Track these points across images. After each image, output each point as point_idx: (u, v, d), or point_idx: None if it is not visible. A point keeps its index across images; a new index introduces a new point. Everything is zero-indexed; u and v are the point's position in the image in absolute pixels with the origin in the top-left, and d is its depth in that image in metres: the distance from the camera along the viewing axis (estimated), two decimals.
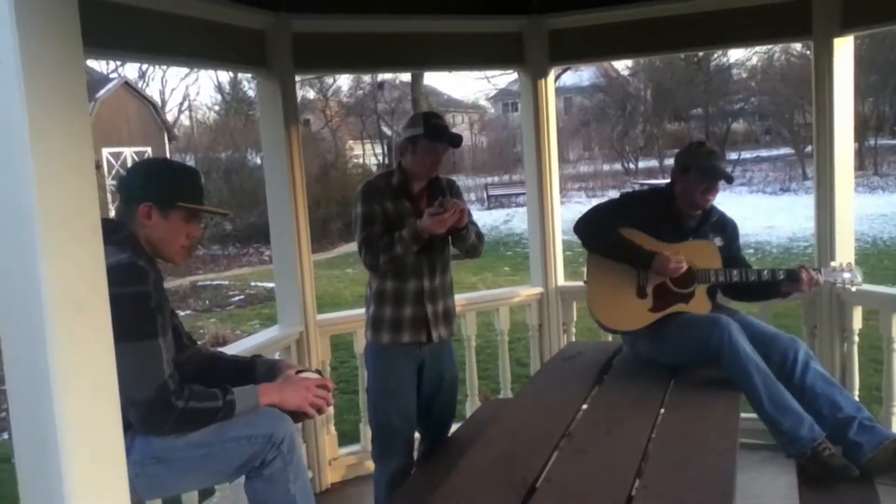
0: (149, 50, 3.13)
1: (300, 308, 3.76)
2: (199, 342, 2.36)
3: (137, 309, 1.87)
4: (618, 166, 30.72)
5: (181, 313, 10.91)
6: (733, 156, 30.08)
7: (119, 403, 1.46)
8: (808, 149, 28.65)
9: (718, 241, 3.27)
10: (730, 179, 3.17)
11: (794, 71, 30.88)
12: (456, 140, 3.04)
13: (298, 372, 2.19)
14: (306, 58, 3.71)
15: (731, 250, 3.31)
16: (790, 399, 2.80)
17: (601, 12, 4.02)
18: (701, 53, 34.94)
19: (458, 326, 4.16)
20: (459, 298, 4.12)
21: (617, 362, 3.33)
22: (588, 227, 3.23)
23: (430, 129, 3.00)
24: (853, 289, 3.21)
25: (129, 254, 1.93)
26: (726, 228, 3.33)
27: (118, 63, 23.80)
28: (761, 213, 17.76)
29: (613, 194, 25.38)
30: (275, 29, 3.61)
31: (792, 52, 32.55)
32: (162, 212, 2.04)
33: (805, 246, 13.55)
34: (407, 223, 2.98)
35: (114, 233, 1.97)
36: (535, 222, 4.35)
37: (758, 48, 33.33)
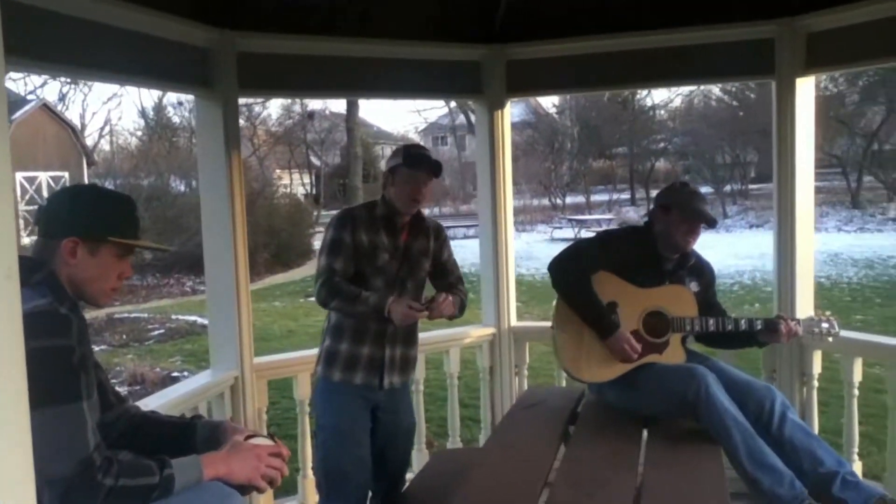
0: (79, 63, 2.79)
1: (236, 350, 3.42)
2: (127, 399, 2.03)
3: (57, 366, 1.55)
4: (545, 201, 31.04)
5: (95, 348, 10.29)
6: (655, 192, 30.76)
7: (33, 482, 1.15)
8: (727, 188, 29.81)
9: (694, 286, 3.13)
10: (712, 223, 3.05)
11: (714, 113, 32.09)
12: (436, 168, 2.89)
13: (248, 437, 1.88)
14: (251, 79, 3.42)
15: (707, 296, 3.18)
16: (770, 455, 2.65)
17: (563, 44, 3.87)
18: (626, 93, 36.14)
19: None
20: None
21: (582, 411, 3.13)
22: (564, 272, 3.05)
23: (409, 157, 2.88)
24: (830, 339, 3.11)
25: (48, 299, 1.61)
26: (703, 273, 3.20)
27: (36, 85, 22.74)
28: None
29: (543, 228, 25.59)
30: (219, 47, 3.32)
31: (711, 95, 33.89)
32: (89, 248, 1.72)
33: (731, 283, 13.82)
34: (378, 295, 2.80)
35: (31, 272, 1.65)
36: (489, 258, 4.14)
37: (681, 90, 34.62)
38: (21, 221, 22.78)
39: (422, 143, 47.77)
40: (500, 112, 4.03)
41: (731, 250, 17.32)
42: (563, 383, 3.95)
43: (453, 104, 35.38)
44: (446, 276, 3.11)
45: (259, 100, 27.73)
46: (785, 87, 3.63)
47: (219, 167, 3.37)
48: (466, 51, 3.95)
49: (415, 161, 2.88)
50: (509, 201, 4.13)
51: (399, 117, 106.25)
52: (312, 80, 3.66)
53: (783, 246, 3.69)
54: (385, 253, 2.90)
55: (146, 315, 12.47)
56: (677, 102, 35.89)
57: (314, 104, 33.77)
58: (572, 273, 3.03)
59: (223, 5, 3.27)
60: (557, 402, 3.22)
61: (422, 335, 4.16)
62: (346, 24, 3.57)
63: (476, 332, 4.13)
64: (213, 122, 3.37)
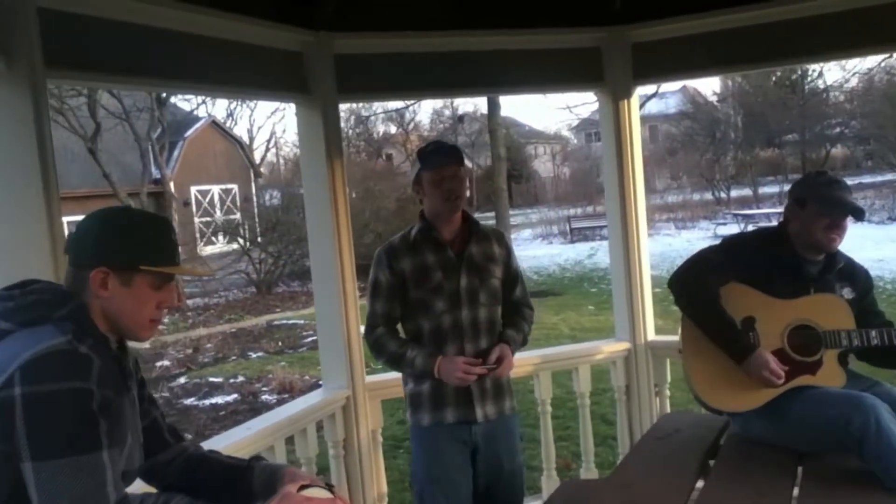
0: (167, 76, 2.73)
1: (346, 367, 3.26)
2: (184, 437, 1.86)
3: (73, 412, 1.38)
4: (708, 195, 29.37)
5: (253, 355, 10.72)
6: None
7: None
8: None
9: (847, 293, 2.60)
10: (860, 213, 2.51)
11: None
12: (455, 155, 2.64)
13: (302, 487, 1.66)
14: (351, 82, 3.25)
15: (864, 304, 2.63)
16: None
17: (695, 20, 3.41)
18: (795, 75, 33.56)
19: (533, 389, 3.61)
20: (531, 356, 3.57)
21: (725, 444, 2.68)
22: (686, 288, 2.63)
23: (425, 158, 2.64)
24: None
25: (68, 337, 1.45)
26: (856, 277, 2.66)
27: (204, 102, 24.33)
28: (868, 245, 16.39)
29: (705, 225, 24.26)
30: (315, 50, 3.17)
31: (894, 72, 30.75)
32: (122, 278, 1.56)
33: None
34: (423, 354, 2.60)
35: (57, 307, 1.50)
36: (619, 265, 3.73)
37: (857, 68, 31.67)
38: (197, 234, 24.55)
39: (574, 140, 46.74)
40: (625, 102, 3.63)
41: None
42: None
43: None
44: (512, 291, 2.80)
45: (405, 105, 28.14)
46: None
47: (320, 177, 3.22)
48: (584, 36, 3.57)
49: (431, 157, 2.63)
50: (641, 201, 3.71)
51: (550, 114, 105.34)
52: (416, 79, 3.43)
53: None
54: (437, 271, 2.64)
55: (302, 321, 12.85)
56: (854, 82, 32.89)
57: (464, 107, 34.07)
58: (696, 288, 2.61)
59: (317, 7, 3.10)
60: (695, 432, 2.79)
61: (547, 350, 3.86)
62: (447, 18, 3.31)
63: (608, 348, 3.74)
64: (313, 130, 3.22)
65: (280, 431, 2.91)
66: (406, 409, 2.77)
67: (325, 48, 3.17)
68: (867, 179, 30.92)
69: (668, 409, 3.76)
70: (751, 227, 20.53)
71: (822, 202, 2.52)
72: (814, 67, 33.17)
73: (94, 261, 1.55)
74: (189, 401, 8.30)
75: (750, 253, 2.64)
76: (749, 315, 2.56)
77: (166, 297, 1.61)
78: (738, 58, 3.57)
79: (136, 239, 1.58)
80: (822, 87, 33.72)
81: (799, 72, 33.28)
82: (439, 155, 2.64)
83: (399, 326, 2.77)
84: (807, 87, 33.16)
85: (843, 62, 31.83)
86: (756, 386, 2.49)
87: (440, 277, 2.63)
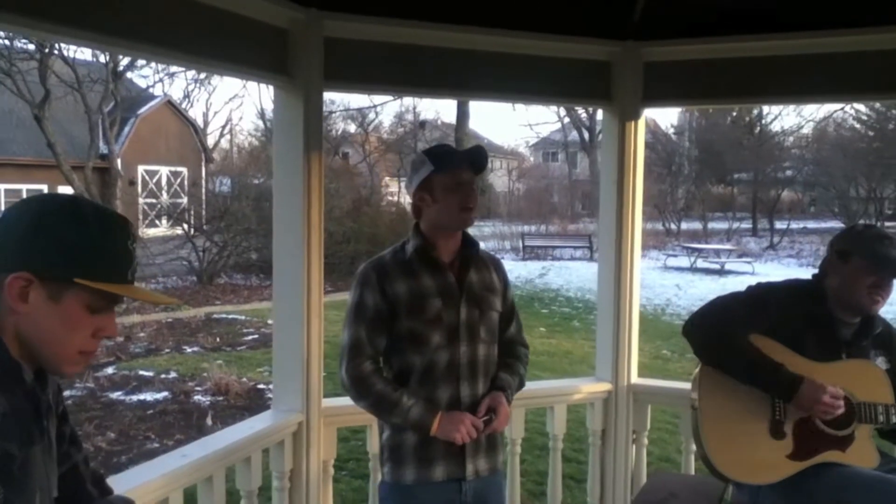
0: (138, 38, 2.32)
1: (302, 388, 2.87)
2: (111, 490, 1.46)
3: None
4: (659, 226, 29.63)
5: (188, 349, 10.14)
6: (781, 225, 28.95)
7: None
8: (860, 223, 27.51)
9: (882, 363, 2.34)
10: None
11: (848, 143, 29.87)
12: (478, 157, 2.28)
13: None
14: (339, 69, 2.88)
15: None
16: None
17: (716, 44, 3.15)
18: (750, 116, 34.21)
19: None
20: None
21: None
22: (709, 331, 2.33)
23: (439, 159, 2.24)
24: None
25: None
26: (893, 345, 2.40)
27: (162, 80, 23.50)
28: None
29: (655, 255, 24.54)
30: (303, 29, 2.80)
31: (845, 124, 31.61)
32: (49, 291, 1.17)
33: None
34: (422, 406, 2.20)
35: None
36: (608, 298, 3.43)
37: (813, 116, 32.43)
38: (140, 215, 23.64)
39: (531, 158, 47.15)
40: (632, 123, 3.34)
41: None
42: (693, 465, 3.20)
43: (567, 119, 34.52)
44: (508, 327, 2.44)
45: (375, 102, 27.79)
46: None
47: (295, 172, 2.84)
48: (595, 47, 3.27)
49: (449, 159, 2.25)
50: (638, 231, 3.43)
51: (511, 130, 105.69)
52: (411, 74, 3.08)
53: None
54: (436, 298, 2.24)
55: (243, 317, 12.31)
56: (807, 130, 33.74)
57: (426, 113, 33.80)
58: (719, 327, 2.32)
59: None
60: (691, 498, 2.50)
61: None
62: (450, 9, 2.97)
63: (588, 388, 3.43)
64: (292, 118, 2.85)
65: (222, 461, 2.52)
66: (382, 462, 2.35)
67: (316, 28, 2.81)
68: (811, 225, 31.66)
69: (645, 460, 3.48)
70: (700, 261, 20.77)
71: (871, 258, 2.26)
72: (771, 111, 33.96)
73: (15, 263, 1.15)
74: (116, 394, 7.74)
75: (779, 305, 2.36)
76: (779, 363, 2.27)
77: (105, 324, 1.22)
78: (756, 89, 3.32)
79: (77, 240, 1.18)
80: (777, 129, 34.50)
81: (756, 112, 33.98)
82: (459, 157, 2.27)
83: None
84: (763, 128, 33.83)
85: (800, 109, 32.66)
86: (780, 456, 2.21)
87: (439, 306, 2.25)
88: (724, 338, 2.29)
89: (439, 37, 3.03)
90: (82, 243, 1.19)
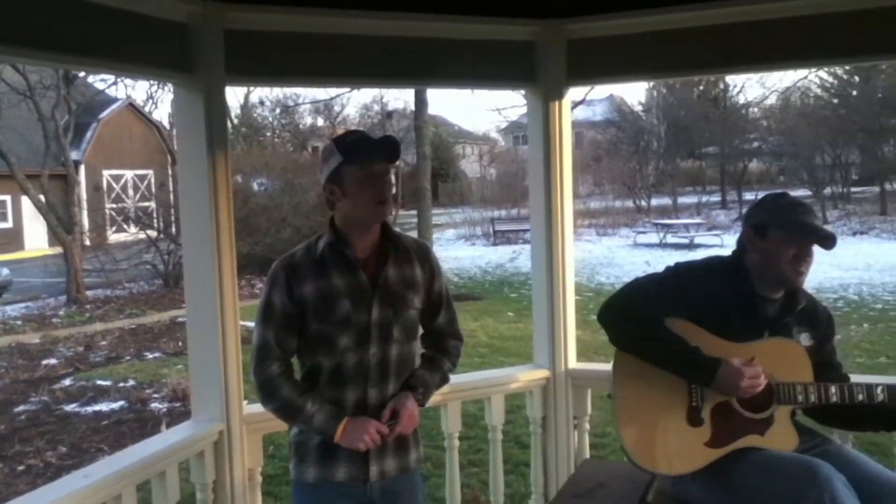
0: (23, 42, 2.19)
1: (220, 396, 2.77)
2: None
3: None
4: (629, 203, 29.73)
5: (149, 356, 9.93)
6: (749, 196, 29.15)
7: None
8: (828, 191, 27.81)
9: (805, 339, 2.27)
10: (832, 241, 2.19)
11: (812, 111, 30.11)
12: (391, 149, 2.14)
13: None
14: (243, 62, 2.76)
15: (823, 353, 2.31)
16: None
17: (638, 17, 3.06)
18: (717, 90, 34.37)
19: (440, 421, 3.21)
20: None
21: (655, 502, 2.33)
22: (622, 316, 2.25)
23: (349, 148, 2.12)
24: None
25: None
26: (817, 321, 2.33)
27: (112, 80, 23.07)
28: None
29: (626, 232, 24.59)
30: (202, 23, 2.67)
31: (809, 92, 31.85)
32: None
33: (835, 298, 12.51)
34: (326, 412, 2.13)
35: None
36: (541, 284, 3.35)
37: (776, 87, 32.63)
38: (108, 221, 23.26)
39: (502, 142, 47.04)
40: (557, 103, 3.25)
41: (833, 260, 15.83)
42: None
43: None
44: (434, 317, 2.34)
45: (344, 97, 27.49)
46: None
47: (200, 172, 2.72)
48: (516, 28, 3.17)
49: (360, 149, 2.13)
50: (568, 214, 3.34)
51: (480, 115, 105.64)
52: (321, 64, 2.95)
53: None
54: (344, 299, 2.15)
55: None
56: (772, 100, 33.96)
57: (394, 103, 33.60)
58: (633, 312, 2.24)
59: None
60: (621, 487, 2.43)
61: (456, 378, 3.43)
62: None
63: (525, 376, 3.36)
64: (193, 116, 2.72)
65: (130, 478, 2.41)
66: (290, 459, 2.30)
67: (215, 21, 2.68)
68: None
69: (587, 444, 3.42)
70: (669, 237, 20.85)
71: (789, 228, 2.19)
72: (735, 83, 34.15)
73: None
74: (71, 407, 7.57)
75: (699, 285, 2.28)
76: (695, 348, 2.19)
77: None
78: (680, 63, 3.25)
79: None
80: (742, 102, 34.67)
81: (721, 86, 34.14)
82: (371, 147, 2.14)
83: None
84: (728, 101, 33.98)
85: (763, 79, 32.86)
86: (697, 444, 2.14)
87: (348, 308, 2.15)
88: (639, 323, 2.22)
89: (350, 24, 2.92)
90: None
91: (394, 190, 2.26)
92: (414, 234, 15.25)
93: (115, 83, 23.53)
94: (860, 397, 2.17)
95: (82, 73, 18.66)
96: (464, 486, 4.69)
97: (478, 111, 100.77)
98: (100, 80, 23.71)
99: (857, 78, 29.00)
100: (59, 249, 16.35)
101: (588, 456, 3.40)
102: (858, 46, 2.93)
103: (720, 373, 2.12)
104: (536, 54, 3.23)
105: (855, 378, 2.35)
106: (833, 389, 2.16)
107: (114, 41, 2.47)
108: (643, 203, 30.31)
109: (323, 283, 2.16)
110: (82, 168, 26.13)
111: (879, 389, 2.17)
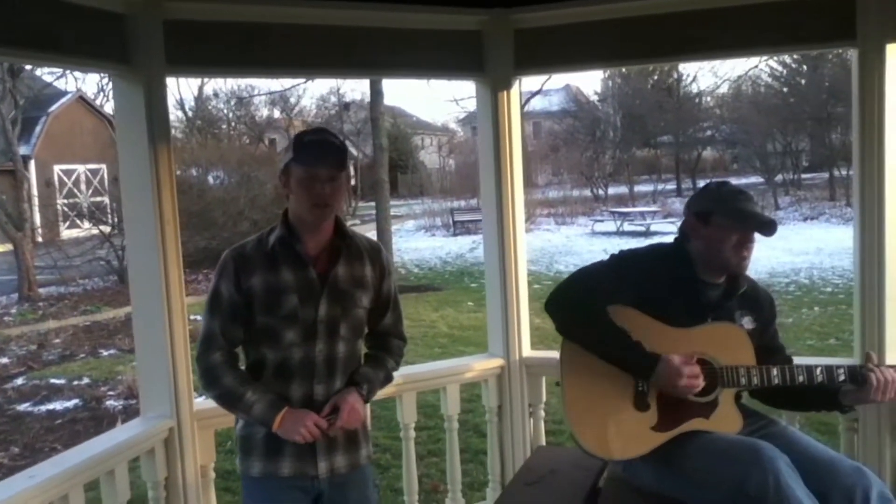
0: None
1: (169, 392, 2.73)
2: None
3: None
4: (587, 192, 29.99)
5: (105, 353, 9.74)
6: (704, 183, 29.53)
7: None
8: (779, 178, 28.38)
9: (748, 323, 2.32)
10: (772, 227, 2.23)
11: (763, 99, 30.67)
12: (335, 158, 2.14)
13: None
14: (183, 53, 2.72)
15: (766, 336, 2.36)
16: None
17: (584, 6, 3.08)
18: (671, 80, 34.85)
19: (396, 411, 3.21)
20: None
21: (605, 488, 2.36)
22: (566, 305, 2.26)
23: (299, 149, 2.13)
24: None
25: None
26: (759, 304, 2.39)
27: (59, 73, 22.53)
28: None
29: (584, 221, 24.72)
30: (141, 13, 2.62)
31: (760, 81, 32.45)
32: None
33: (787, 283, 12.79)
34: (265, 402, 2.13)
35: None
36: (494, 273, 3.37)
37: (730, 74, 33.17)
38: (60, 216, 22.73)
39: (461, 132, 47.07)
40: (506, 93, 3.26)
41: (785, 245, 16.18)
42: None
43: None
44: (381, 318, 2.36)
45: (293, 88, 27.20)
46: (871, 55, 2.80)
47: (142, 165, 2.67)
48: (463, 17, 3.17)
49: (308, 152, 2.13)
50: (519, 203, 3.35)
51: (438, 106, 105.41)
52: (262, 54, 2.91)
53: (868, 243, 2.84)
54: (292, 294, 2.15)
55: None
56: (724, 89, 34.57)
57: (352, 94, 33.35)
58: (580, 303, 2.26)
59: None
60: (572, 475, 2.46)
61: (412, 368, 3.45)
62: None
63: (480, 365, 3.37)
64: (133, 107, 2.67)
65: (77, 477, 2.36)
66: (237, 451, 2.28)
67: (154, 11, 2.63)
68: (733, 181, 32.42)
69: (543, 431, 3.45)
70: (626, 225, 21.10)
71: (731, 216, 2.23)
72: (688, 73, 34.64)
73: None
74: (23, 406, 7.40)
75: (642, 272, 2.31)
76: (636, 342, 2.22)
77: None
78: (627, 52, 3.28)
79: None
80: (695, 91, 35.20)
81: (675, 76, 34.60)
82: (317, 151, 2.13)
83: (240, 350, 2.29)
84: (682, 90, 34.46)
85: (716, 69, 33.39)
86: (644, 428, 2.17)
87: (295, 303, 2.15)
88: (582, 313, 2.24)
89: (293, 14, 2.90)
90: None
91: (343, 195, 2.25)
92: (373, 225, 15.18)
93: (62, 75, 22.97)
94: (800, 378, 2.22)
95: (29, 66, 18.20)
96: (424, 477, 4.72)
97: (436, 102, 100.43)
98: (48, 73, 23.14)
99: (805, 67, 29.59)
100: (9, 246, 15.95)
101: (544, 443, 3.43)
102: (804, 34, 2.98)
103: (659, 369, 2.16)
104: (484, 44, 3.23)
105: (802, 360, 2.42)
106: (775, 372, 2.21)
107: (49, 32, 2.42)
108: (600, 192, 30.59)
109: (272, 276, 2.16)
110: (32, 163, 25.47)
111: (819, 370, 2.23)
